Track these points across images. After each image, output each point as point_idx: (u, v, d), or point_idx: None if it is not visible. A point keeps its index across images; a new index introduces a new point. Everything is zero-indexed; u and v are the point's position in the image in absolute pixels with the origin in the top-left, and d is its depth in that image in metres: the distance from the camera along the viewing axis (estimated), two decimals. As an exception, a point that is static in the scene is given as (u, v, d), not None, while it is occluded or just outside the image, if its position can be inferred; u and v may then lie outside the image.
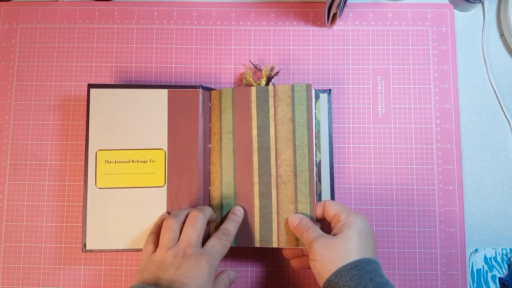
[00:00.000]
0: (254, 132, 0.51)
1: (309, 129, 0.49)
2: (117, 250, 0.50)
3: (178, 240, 0.44)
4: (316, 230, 0.45)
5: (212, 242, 0.45)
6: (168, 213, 0.50)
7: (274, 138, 0.50)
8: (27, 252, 0.55)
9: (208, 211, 0.48)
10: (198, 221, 0.45)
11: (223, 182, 0.51)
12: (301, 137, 0.49)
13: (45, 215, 0.55)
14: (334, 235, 0.44)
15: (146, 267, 0.42)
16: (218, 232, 0.46)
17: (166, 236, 0.44)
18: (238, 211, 0.50)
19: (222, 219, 0.50)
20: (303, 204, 0.48)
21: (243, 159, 0.51)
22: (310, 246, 0.44)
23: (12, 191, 0.56)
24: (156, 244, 0.45)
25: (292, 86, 0.50)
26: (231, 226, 0.48)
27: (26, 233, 0.55)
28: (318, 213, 0.48)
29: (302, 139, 0.49)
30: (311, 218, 0.48)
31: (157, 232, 0.46)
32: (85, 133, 0.56)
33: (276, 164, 0.50)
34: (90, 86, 0.52)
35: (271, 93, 0.51)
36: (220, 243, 0.45)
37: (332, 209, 0.46)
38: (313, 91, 0.52)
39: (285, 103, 0.50)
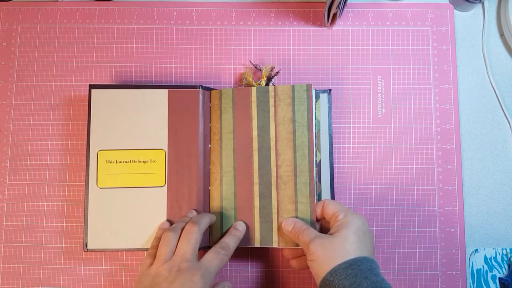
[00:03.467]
0: (254, 132, 0.51)
1: (309, 129, 0.49)
2: (117, 250, 0.50)
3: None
4: (311, 231, 0.45)
5: (209, 256, 0.44)
6: (168, 220, 0.50)
7: (274, 138, 0.50)
8: (27, 252, 0.55)
9: (204, 222, 0.47)
10: (192, 235, 0.44)
11: (223, 182, 0.51)
12: (301, 137, 0.49)
13: (45, 215, 0.55)
14: (332, 234, 0.44)
15: (142, 280, 0.43)
16: (217, 246, 0.46)
17: (163, 250, 0.44)
18: (240, 227, 0.49)
19: (222, 219, 0.50)
20: (303, 205, 0.48)
21: (243, 159, 0.51)
22: (308, 247, 0.43)
23: (12, 191, 0.56)
24: (155, 257, 0.45)
25: (293, 87, 0.50)
26: (231, 241, 0.47)
27: (26, 233, 0.55)
28: (318, 212, 0.48)
29: (302, 139, 0.49)
30: (311, 219, 0.48)
31: (157, 246, 0.46)
32: (85, 133, 0.56)
33: (276, 164, 0.50)
34: (92, 86, 0.52)
35: (271, 93, 0.51)
36: (218, 257, 0.45)
37: (330, 208, 0.46)
38: (313, 91, 0.52)
39: (285, 103, 0.50)
